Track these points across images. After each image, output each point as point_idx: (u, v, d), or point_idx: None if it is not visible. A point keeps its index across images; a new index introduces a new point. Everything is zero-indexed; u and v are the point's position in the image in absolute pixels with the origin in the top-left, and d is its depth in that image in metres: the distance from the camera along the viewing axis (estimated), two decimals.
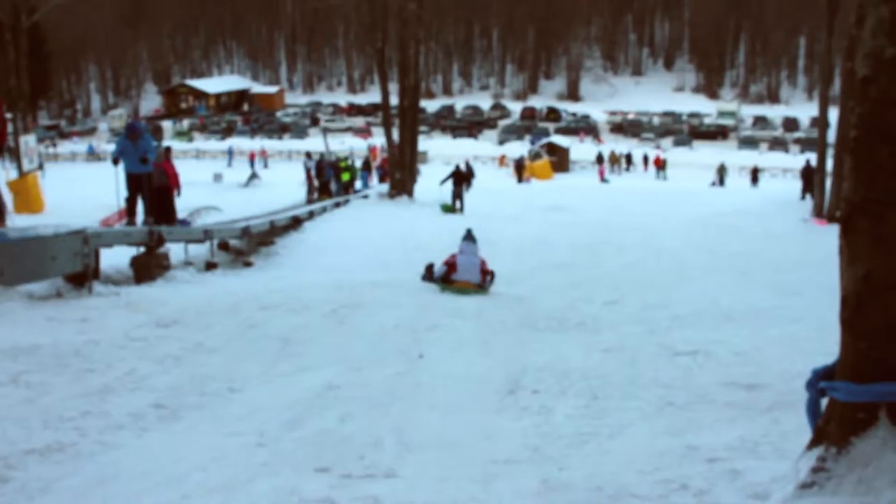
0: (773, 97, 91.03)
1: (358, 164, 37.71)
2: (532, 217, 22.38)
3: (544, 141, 57.88)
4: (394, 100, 29.07)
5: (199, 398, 5.54)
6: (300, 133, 73.06)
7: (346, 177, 30.87)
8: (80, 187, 29.23)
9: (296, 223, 19.52)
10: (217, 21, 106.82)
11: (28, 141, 28.06)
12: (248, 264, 14.63)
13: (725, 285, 11.74)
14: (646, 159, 53.92)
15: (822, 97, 25.18)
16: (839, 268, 3.44)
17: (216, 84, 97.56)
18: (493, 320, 8.89)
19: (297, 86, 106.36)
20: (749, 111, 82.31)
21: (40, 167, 33.36)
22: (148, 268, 11.35)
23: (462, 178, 26.18)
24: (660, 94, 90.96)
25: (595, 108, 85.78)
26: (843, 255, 3.40)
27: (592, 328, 8.45)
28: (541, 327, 8.51)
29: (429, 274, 11.33)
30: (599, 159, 51.34)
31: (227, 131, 76.14)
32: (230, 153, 56.61)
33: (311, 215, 21.40)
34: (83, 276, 9.53)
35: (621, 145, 61.36)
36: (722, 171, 45.58)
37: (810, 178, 27.16)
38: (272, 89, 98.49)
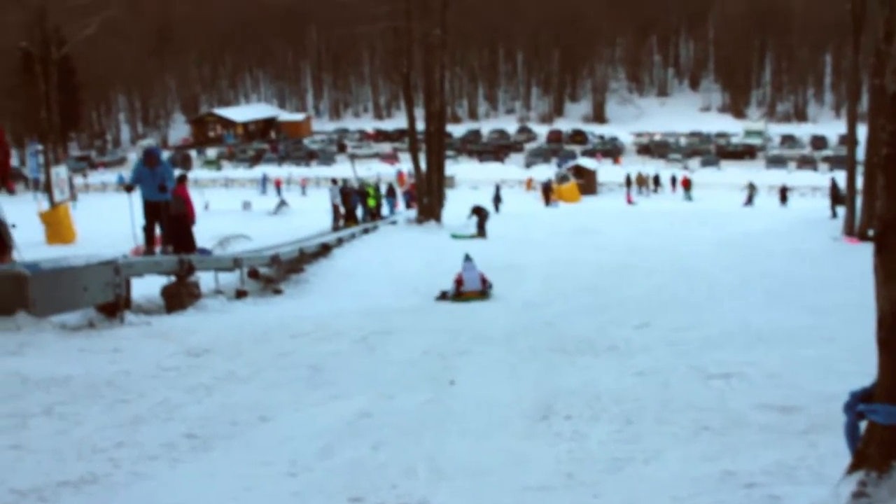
0: (800, 115, 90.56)
1: (383, 189, 37.85)
2: (560, 240, 22.37)
3: (571, 164, 57.87)
4: (420, 125, 29.24)
5: (231, 427, 5.53)
6: (327, 160, 73.74)
7: (372, 203, 30.94)
8: (110, 217, 29.49)
9: (325, 250, 19.57)
10: (243, 50, 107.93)
11: (59, 172, 28.49)
12: (277, 292, 14.69)
13: (756, 306, 11.60)
14: (673, 180, 53.74)
15: (851, 114, 25.04)
16: (874, 287, 3.39)
17: (243, 112, 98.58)
18: (522, 345, 8.81)
19: (324, 113, 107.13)
20: (776, 130, 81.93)
21: (73, 198, 33.82)
22: (179, 297, 11.46)
23: (481, 213, 26.34)
24: (686, 114, 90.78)
25: (621, 129, 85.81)
26: (877, 273, 3.35)
27: (623, 351, 8.35)
28: (571, 351, 8.41)
29: (443, 296, 13.77)
30: (628, 182, 51.21)
31: (256, 159, 76.80)
32: (263, 181, 57.08)
33: (339, 242, 21.46)
34: (115, 306, 9.60)
35: (648, 167, 61.19)
36: (752, 190, 45.35)
37: (837, 196, 26.96)
38: (299, 117, 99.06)
